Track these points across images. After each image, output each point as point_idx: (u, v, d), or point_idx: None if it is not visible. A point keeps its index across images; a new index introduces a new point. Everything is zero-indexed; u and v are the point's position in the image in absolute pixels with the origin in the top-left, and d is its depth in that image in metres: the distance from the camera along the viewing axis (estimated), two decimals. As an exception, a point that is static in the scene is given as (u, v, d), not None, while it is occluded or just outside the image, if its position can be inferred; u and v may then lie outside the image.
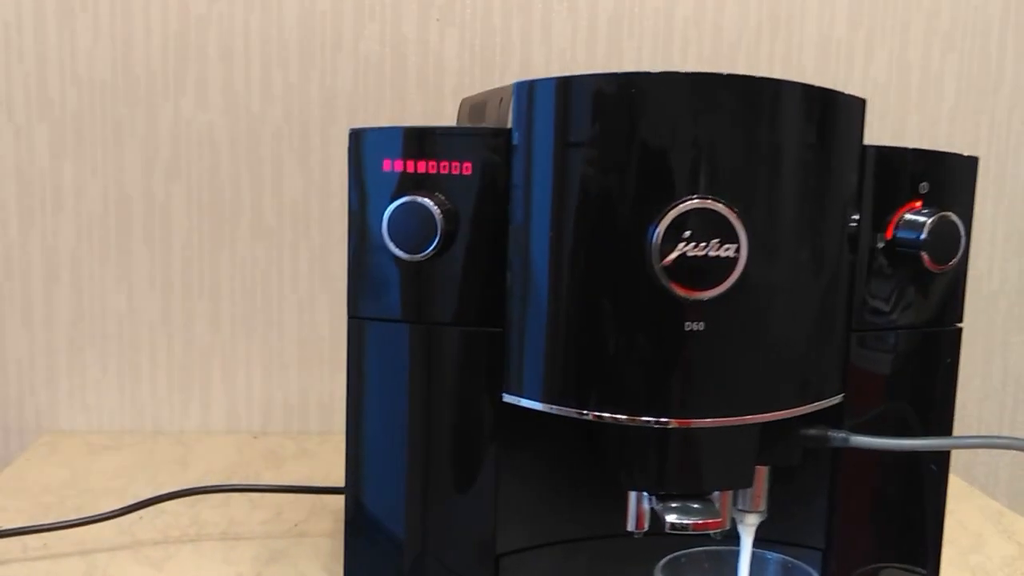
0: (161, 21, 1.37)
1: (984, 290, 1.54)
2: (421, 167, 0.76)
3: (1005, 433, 1.59)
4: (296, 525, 1.12)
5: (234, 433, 1.45)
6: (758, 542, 0.83)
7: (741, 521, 0.82)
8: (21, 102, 1.36)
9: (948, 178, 0.83)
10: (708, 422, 0.72)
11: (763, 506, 0.82)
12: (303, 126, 1.40)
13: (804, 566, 0.81)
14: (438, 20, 1.40)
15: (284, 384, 1.45)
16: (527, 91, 0.74)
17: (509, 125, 0.75)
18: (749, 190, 0.71)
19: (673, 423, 0.72)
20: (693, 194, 0.69)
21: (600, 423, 0.74)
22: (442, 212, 0.75)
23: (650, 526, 0.81)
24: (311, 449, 1.39)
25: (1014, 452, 1.58)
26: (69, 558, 1.01)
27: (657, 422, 0.72)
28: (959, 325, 0.87)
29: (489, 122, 0.87)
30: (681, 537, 0.77)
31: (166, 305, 1.41)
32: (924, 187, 0.81)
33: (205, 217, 1.40)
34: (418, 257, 0.76)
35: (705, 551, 0.83)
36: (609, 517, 0.84)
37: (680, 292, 0.70)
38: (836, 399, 0.79)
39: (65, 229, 1.38)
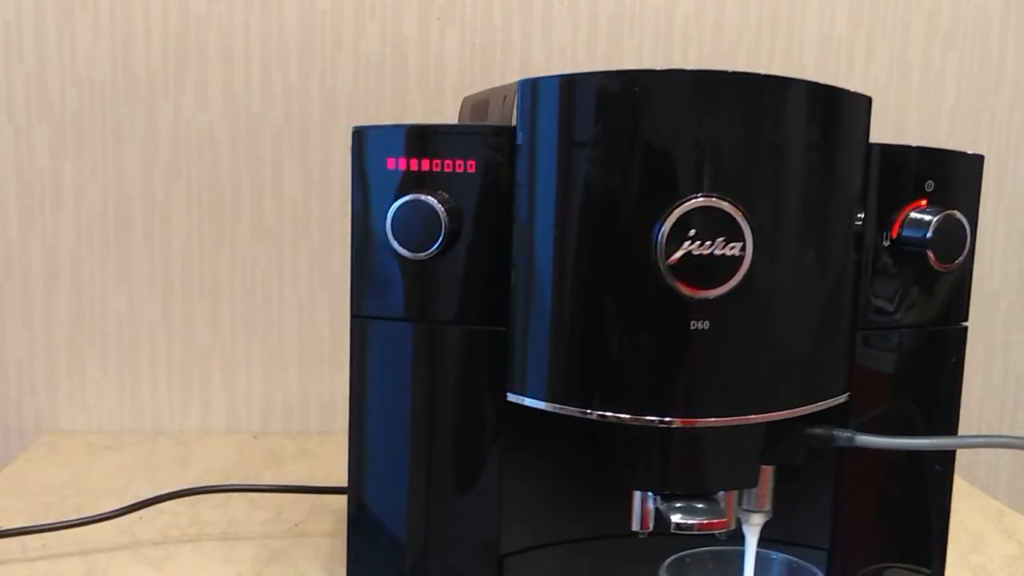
0: (161, 21, 1.36)
1: (985, 289, 1.54)
2: (425, 165, 0.76)
3: (1006, 432, 1.58)
4: (296, 525, 1.12)
5: (234, 433, 1.45)
6: (762, 542, 0.83)
7: (746, 521, 0.82)
8: (21, 102, 1.36)
9: (953, 176, 0.83)
10: (713, 421, 0.72)
11: (768, 506, 0.82)
12: (303, 126, 1.39)
13: (809, 566, 0.81)
14: (438, 19, 1.40)
15: (284, 384, 1.44)
16: (531, 89, 0.74)
17: (513, 123, 0.75)
18: (754, 188, 0.71)
19: (677, 423, 0.72)
20: (698, 192, 0.69)
21: (604, 423, 0.73)
22: (446, 210, 0.75)
23: (655, 526, 0.80)
24: (311, 449, 1.39)
25: (1014, 452, 1.57)
26: (69, 558, 1.01)
27: (662, 421, 0.72)
28: (964, 324, 0.87)
29: (492, 120, 0.87)
30: (685, 537, 0.77)
31: (166, 305, 1.41)
32: (930, 185, 0.81)
33: (205, 217, 1.40)
34: (422, 255, 0.76)
35: (710, 551, 0.83)
36: (613, 517, 0.84)
37: (685, 291, 0.70)
38: (841, 398, 0.79)
39: (65, 229, 1.38)
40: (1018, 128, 1.52)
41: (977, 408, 1.57)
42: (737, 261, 0.70)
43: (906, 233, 0.80)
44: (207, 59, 1.38)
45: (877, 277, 0.81)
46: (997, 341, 1.57)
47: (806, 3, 1.45)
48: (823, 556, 0.86)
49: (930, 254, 0.79)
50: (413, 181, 0.76)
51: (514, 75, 1.39)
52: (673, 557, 0.81)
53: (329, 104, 1.40)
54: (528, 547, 0.86)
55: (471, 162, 0.76)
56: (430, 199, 0.75)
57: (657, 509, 0.78)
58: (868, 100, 0.77)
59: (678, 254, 0.69)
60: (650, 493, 0.79)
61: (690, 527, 0.75)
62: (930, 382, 0.86)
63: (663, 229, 0.69)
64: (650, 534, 0.81)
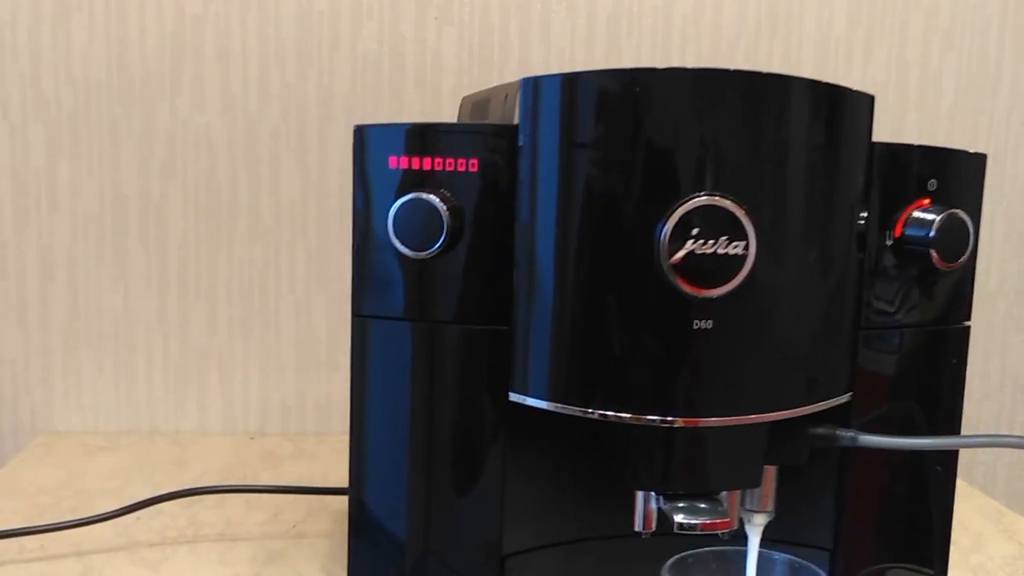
0: (157, 20, 1.36)
1: (983, 290, 1.54)
2: (427, 164, 0.76)
3: (1004, 432, 1.58)
4: (294, 526, 1.12)
5: (231, 434, 1.44)
6: (765, 542, 0.82)
7: (748, 521, 0.82)
8: (16, 102, 1.36)
9: (956, 175, 0.83)
10: (716, 421, 0.72)
11: (771, 506, 0.82)
12: (300, 126, 1.39)
13: (812, 566, 0.81)
14: (436, 19, 1.40)
15: (281, 385, 1.44)
16: (534, 87, 0.74)
17: (515, 122, 0.75)
18: (758, 187, 0.70)
19: (680, 422, 0.72)
20: (701, 191, 0.69)
21: (607, 423, 0.73)
22: (448, 209, 0.74)
23: (657, 526, 0.80)
24: (308, 450, 1.38)
25: (1013, 453, 1.57)
26: (65, 559, 1.01)
27: (665, 421, 0.71)
28: (967, 324, 0.87)
29: (493, 119, 0.87)
30: (688, 537, 0.77)
31: (162, 305, 1.41)
32: (932, 184, 0.81)
33: (202, 217, 1.39)
34: (424, 254, 0.76)
35: (712, 551, 0.83)
36: (615, 517, 0.84)
37: (688, 290, 0.69)
38: (844, 398, 0.79)
39: (61, 229, 1.38)
40: (1016, 129, 1.52)
41: (975, 409, 1.57)
42: (740, 260, 0.69)
43: (909, 232, 0.79)
44: (204, 59, 1.37)
45: (879, 276, 0.80)
46: (995, 342, 1.56)
47: (804, 3, 1.45)
48: (826, 556, 0.86)
49: (933, 253, 0.79)
50: (414, 180, 0.76)
51: (512, 75, 1.39)
52: (675, 557, 0.81)
53: (326, 104, 1.39)
54: (530, 548, 0.85)
55: (473, 161, 0.75)
56: (432, 198, 0.74)
57: (660, 509, 0.78)
58: (871, 98, 0.77)
59: (681, 253, 0.69)
60: (653, 493, 0.79)
61: (693, 527, 0.75)
62: (932, 382, 0.86)
63: (666, 228, 0.69)
64: (652, 534, 0.81)
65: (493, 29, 1.41)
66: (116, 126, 1.37)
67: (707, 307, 0.70)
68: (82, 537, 1.05)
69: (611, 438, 0.78)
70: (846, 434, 0.78)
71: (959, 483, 0.91)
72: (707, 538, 0.80)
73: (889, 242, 0.80)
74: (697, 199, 0.69)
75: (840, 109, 0.75)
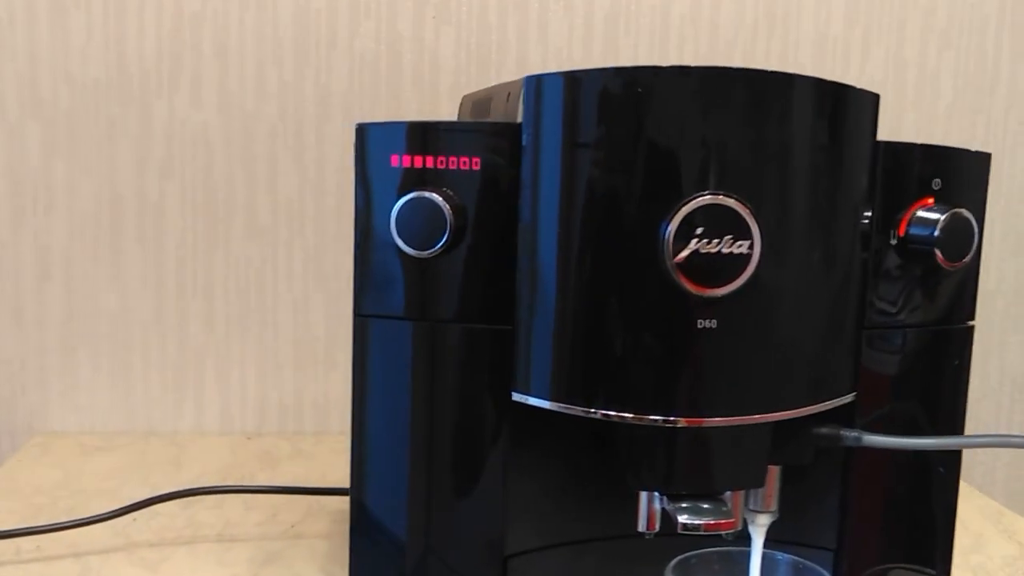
0: (155, 19, 1.36)
1: (981, 290, 1.53)
2: (429, 162, 0.75)
3: (1003, 432, 1.58)
4: (292, 527, 1.11)
5: (228, 434, 1.44)
6: (769, 542, 0.82)
7: (752, 521, 0.82)
8: (13, 101, 1.35)
9: (960, 174, 0.82)
10: (721, 421, 0.72)
11: (774, 506, 0.81)
12: (298, 124, 1.39)
13: (815, 567, 0.81)
14: (434, 18, 1.40)
15: (278, 384, 1.44)
16: (537, 86, 0.73)
17: (518, 120, 0.74)
18: (762, 186, 0.70)
19: (683, 422, 0.71)
20: (705, 190, 0.69)
21: (611, 423, 0.73)
22: (451, 208, 0.74)
23: (660, 526, 0.80)
24: (306, 450, 1.38)
25: (1012, 453, 1.57)
26: (63, 560, 1.00)
27: (669, 421, 0.71)
28: (970, 323, 0.87)
29: (495, 118, 0.87)
30: (691, 537, 0.76)
31: (159, 305, 1.40)
32: (937, 183, 0.80)
33: (199, 216, 1.39)
34: (426, 253, 0.75)
35: (715, 552, 0.82)
36: (618, 517, 0.83)
37: (692, 289, 0.69)
38: (848, 398, 0.79)
39: (57, 228, 1.37)
40: (1014, 128, 1.52)
41: (974, 409, 1.55)
42: (745, 259, 0.69)
43: (913, 231, 0.79)
44: (201, 57, 1.37)
45: (884, 276, 0.80)
46: (994, 342, 1.56)
47: (802, 2, 1.45)
48: (829, 557, 0.85)
49: (937, 253, 0.79)
50: (417, 178, 0.76)
51: (510, 74, 1.39)
52: (679, 558, 0.81)
53: (324, 103, 1.39)
54: (533, 548, 0.85)
55: (476, 159, 0.75)
56: (435, 196, 0.74)
57: (663, 510, 0.78)
58: (875, 97, 0.77)
59: (685, 252, 0.69)
60: (656, 494, 0.78)
61: (697, 528, 0.74)
62: (936, 382, 0.86)
63: (670, 227, 0.68)
64: (656, 535, 0.81)
65: (491, 28, 1.40)
66: (113, 125, 1.36)
67: (711, 306, 0.70)
68: (80, 538, 1.05)
69: (615, 438, 0.78)
70: (850, 434, 0.78)
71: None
72: (710, 539, 0.80)
73: (893, 241, 0.80)
74: (701, 198, 0.69)
75: (845, 108, 0.74)
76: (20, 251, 1.37)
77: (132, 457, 1.32)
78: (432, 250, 0.75)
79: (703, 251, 0.69)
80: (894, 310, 0.81)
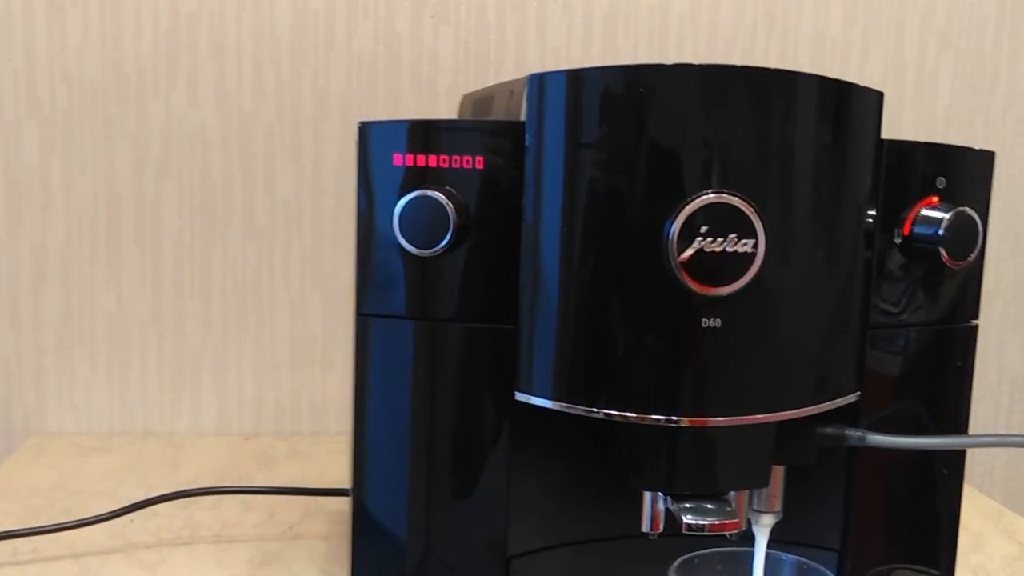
0: (152, 18, 1.35)
1: (980, 290, 1.54)
2: (432, 161, 0.75)
3: (1001, 431, 1.58)
4: (290, 527, 1.11)
5: (225, 434, 1.44)
6: (772, 543, 0.82)
7: (756, 522, 0.82)
8: (10, 100, 1.35)
9: (964, 172, 0.82)
10: (725, 421, 0.71)
11: (778, 506, 0.81)
12: (295, 124, 1.39)
13: (819, 567, 0.81)
14: (432, 18, 1.39)
15: (276, 384, 1.43)
16: (541, 84, 0.73)
17: (521, 118, 0.74)
18: (767, 184, 0.70)
19: (687, 422, 0.71)
20: (710, 189, 0.68)
21: (617, 423, 0.73)
22: (454, 206, 0.74)
23: (664, 527, 0.80)
24: (303, 450, 1.38)
25: (1010, 453, 1.57)
26: (61, 561, 1.00)
27: (675, 421, 0.71)
28: (974, 322, 0.86)
29: (497, 116, 0.86)
30: (694, 538, 0.76)
31: (156, 305, 1.40)
32: (941, 182, 0.80)
33: (196, 216, 1.39)
34: (430, 252, 0.75)
35: (719, 552, 0.82)
36: (621, 517, 0.83)
37: (697, 288, 0.69)
38: (852, 397, 0.78)
39: (54, 228, 1.37)
40: (1012, 128, 1.52)
41: (973, 409, 1.56)
42: (749, 258, 0.69)
43: (918, 230, 0.79)
44: (198, 57, 1.37)
45: (887, 275, 0.80)
46: (992, 342, 1.56)
47: (801, 2, 1.45)
48: (833, 557, 0.85)
49: (942, 252, 0.79)
50: (420, 177, 0.75)
51: (508, 74, 1.39)
52: (682, 558, 0.80)
53: (322, 102, 1.39)
54: (535, 549, 0.85)
55: (479, 158, 0.75)
56: (438, 195, 0.74)
57: (667, 510, 0.77)
58: (880, 95, 0.77)
59: (689, 251, 0.68)
60: (660, 494, 0.78)
61: (701, 528, 0.74)
62: (940, 381, 0.86)
63: (674, 226, 0.68)
64: (659, 535, 0.80)
65: (489, 28, 1.40)
66: (110, 124, 1.36)
67: (715, 306, 0.70)
68: (77, 539, 1.04)
69: (618, 438, 0.77)
70: (854, 434, 0.78)
71: (958, 483, 0.91)
72: (714, 539, 0.79)
73: (897, 240, 0.79)
74: (706, 196, 0.68)
75: (849, 105, 0.74)
76: (17, 251, 1.37)
77: (129, 458, 1.32)
78: (435, 249, 0.75)
79: (707, 250, 0.68)
80: (898, 309, 0.81)
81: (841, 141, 0.74)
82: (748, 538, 0.82)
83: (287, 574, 0.99)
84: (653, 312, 0.70)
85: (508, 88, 0.84)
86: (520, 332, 0.76)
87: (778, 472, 0.80)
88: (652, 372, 0.71)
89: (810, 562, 0.81)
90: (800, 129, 0.71)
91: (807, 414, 0.74)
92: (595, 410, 0.72)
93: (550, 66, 1.41)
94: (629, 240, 0.70)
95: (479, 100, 0.98)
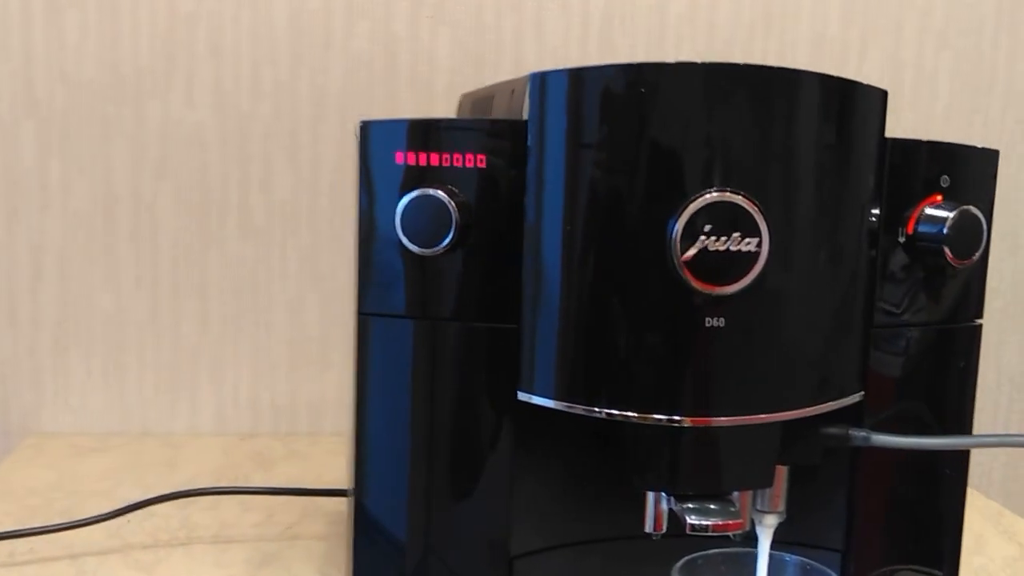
0: (149, 18, 1.35)
1: (979, 290, 1.54)
2: (434, 160, 0.75)
3: (1000, 431, 1.58)
4: (288, 528, 1.11)
5: (222, 435, 1.43)
6: (776, 544, 0.82)
7: (759, 522, 0.81)
8: (7, 99, 1.34)
9: (968, 171, 0.82)
10: (730, 420, 0.71)
11: (782, 507, 0.81)
12: (293, 124, 1.38)
13: (823, 568, 0.80)
14: (429, 18, 1.39)
15: (273, 385, 1.43)
16: (543, 82, 0.73)
17: (523, 117, 0.74)
18: (771, 183, 0.70)
19: (690, 422, 0.71)
20: (713, 187, 0.68)
21: (618, 423, 0.72)
22: (456, 205, 0.73)
23: (667, 527, 0.80)
24: (301, 451, 1.37)
25: (1009, 453, 1.57)
26: (58, 562, 1.00)
27: (679, 421, 0.71)
28: (978, 321, 0.86)
29: (498, 115, 0.86)
30: (697, 538, 0.76)
31: (153, 305, 1.40)
32: (945, 180, 0.80)
33: (193, 216, 1.38)
34: (432, 251, 0.75)
35: (721, 553, 0.82)
36: (624, 518, 0.83)
37: (700, 287, 0.69)
38: (856, 397, 0.78)
39: (51, 228, 1.37)
40: (1011, 128, 1.52)
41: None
42: (753, 257, 0.69)
43: (922, 229, 0.79)
44: (196, 57, 1.36)
45: (891, 274, 0.80)
46: (991, 342, 1.56)
47: (799, 2, 1.45)
48: (837, 558, 0.85)
49: (947, 250, 0.78)
50: (422, 176, 0.75)
51: (506, 74, 1.38)
52: (685, 559, 0.80)
53: (319, 102, 1.38)
54: (538, 549, 0.84)
55: (481, 157, 0.74)
56: (440, 194, 0.73)
57: (670, 510, 0.77)
58: (884, 93, 0.76)
59: (693, 250, 0.68)
60: (663, 494, 0.78)
61: (705, 528, 0.74)
62: (944, 381, 0.85)
63: (678, 225, 0.68)
64: (662, 535, 0.80)
65: (486, 28, 1.40)
66: (108, 124, 1.36)
67: (719, 305, 0.69)
68: (75, 539, 1.04)
69: (621, 438, 0.77)
70: (859, 434, 0.77)
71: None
72: (717, 540, 0.79)
73: (901, 239, 0.79)
74: (709, 195, 0.68)
75: (853, 104, 0.74)
76: (14, 250, 1.37)
77: (126, 458, 1.31)
78: (437, 248, 0.74)
79: (711, 249, 0.68)
80: (901, 309, 0.81)
81: (845, 139, 0.73)
82: (751, 539, 0.82)
83: (286, 575, 0.99)
84: (656, 311, 0.70)
85: (509, 87, 0.83)
86: (522, 331, 0.75)
87: (782, 472, 0.80)
88: (655, 372, 0.71)
89: (814, 563, 0.81)
90: (804, 127, 0.71)
91: (811, 414, 0.74)
92: (597, 410, 0.72)
93: (548, 66, 1.39)
94: (632, 239, 0.70)
95: (479, 100, 0.98)
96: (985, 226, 0.81)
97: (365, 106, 1.38)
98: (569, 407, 0.74)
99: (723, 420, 0.71)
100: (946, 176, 0.80)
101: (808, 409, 0.74)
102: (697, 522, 0.74)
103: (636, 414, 0.71)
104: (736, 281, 0.69)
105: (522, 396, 0.76)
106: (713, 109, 0.69)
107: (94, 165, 1.36)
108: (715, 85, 0.70)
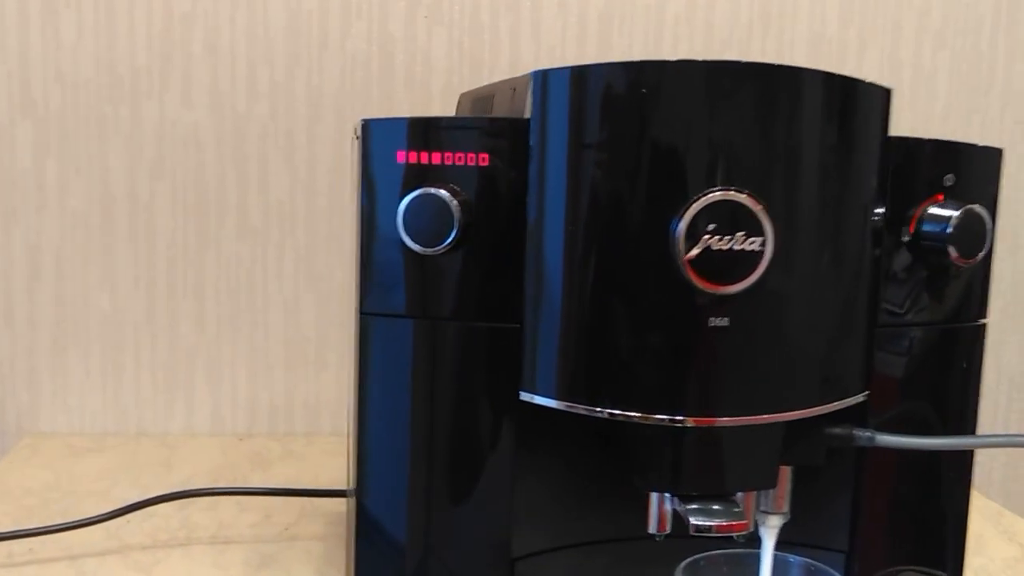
0: (146, 18, 1.35)
1: (976, 290, 1.54)
2: (436, 158, 0.74)
3: (1000, 431, 1.58)
4: (287, 528, 1.11)
5: (219, 435, 1.43)
6: (779, 544, 0.81)
7: (763, 523, 0.81)
8: (3, 100, 1.34)
9: (972, 170, 0.82)
10: (735, 420, 0.71)
11: (786, 507, 0.81)
12: (289, 125, 1.38)
13: (827, 569, 0.80)
14: (426, 18, 1.39)
15: (269, 385, 1.43)
16: (546, 81, 0.72)
17: (526, 116, 0.73)
18: (775, 182, 0.70)
19: (693, 422, 0.71)
20: (717, 186, 0.68)
21: (621, 424, 0.72)
22: (459, 204, 0.73)
23: (670, 528, 0.79)
24: (297, 451, 1.37)
25: (1008, 453, 1.57)
26: (56, 563, 1.00)
27: (682, 421, 0.70)
28: (983, 321, 0.86)
29: (499, 114, 0.86)
30: (700, 540, 0.76)
31: (150, 305, 1.39)
32: (949, 179, 0.80)
33: (190, 216, 1.38)
34: (434, 250, 0.74)
35: (724, 554, 0.81)
36: (626, 519, 0.83)
37: (704, 287, 0.68)
38: (860, 397, 0.78)
39: (48, 228, 1.36)
40: (1010, 127, 1.52)
41: (970, 409, 1.57)
42: (757, 256, 0.68)
43: (926, 228, 0.79)
44: (192, 57, 1.36)
45: (895, 273, 0.80)
46: (990, 341, 1.54)
47: (797, 2, 1.45)
48: (841, 559, 0.85)
49: (951, 250, 0.78)
50: (423, 175, 0.74)
51: (503, 74, 1.38)
52: (687, 560, 0.80)
53: (315, 103, 1.38)
54: (540, 550, 0.84)
55: (483, 155, 0.74)
56: (443, 193, 0.73)
57: (674, 511, 0.77)
58: (888, 92, 0.76)
59: (697, 249, 0.68)
60: (667, 495, 0.78)
61: (708, 529, 0.73)
62: (948, 380, 0.85)
63: (681, 224, 0.68)
64: (665, 536, 0.80)
65: (483, 28, 1.40)
66: (104, 125, 1.35)
67: (723, 304, 0.69)
68: (73, 540, 1.04)
69: (625, 439, 0.77)
70: (863, 434, 0.77)
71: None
72: (720, 541, 0.79)
73: (905, 238, 0.79)
74: (713, 194, 0.68)
75: (857, 102, 0.74)
76: (11, 251, 1.36)
77: (123, 458, 1.31)
78: (440, 247, 0.74)
79: (715, 248, 0.68)
80: (906, 308, 0.81)
81: (849, 138, 0.73)
82: (755, 540, 0.81)
83: (285, 576, 0.99)
84: (659, 311, 0.70)
85: (510, 86, 0.83)
86: (525, 331, 0.75)
87: (786, 473, 0.80)
88: (659, 371, 0.70)
89: (818, 564, 0.81)
90: (808, 126, 0.71)
91: (815, 414, 0.74)
92: (599, 410, 0.72)
93: (544, 66, 1.40)
94: (636, 237, 0.69)
95: (479, 98, 0.97)
96: (990, 225, 0.80)
97: (361, 106, 1.38)
98: (571, 407, 0.73)
99: (727, 420, 0.71)
100: (950, 175, 0.80)
101: (812, 409, 0.74)
102: (701, 523, 0.74)
103: (639, 414, 0.71)
104: (740, 280, 0.69)
105: (524, 396, 0.76)
106: (717, 107, 0.69)
107: (91, 165, 1.36)
108: (719, 83, 0.69)
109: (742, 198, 0.68)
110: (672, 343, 0.70)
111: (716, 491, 0.76)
